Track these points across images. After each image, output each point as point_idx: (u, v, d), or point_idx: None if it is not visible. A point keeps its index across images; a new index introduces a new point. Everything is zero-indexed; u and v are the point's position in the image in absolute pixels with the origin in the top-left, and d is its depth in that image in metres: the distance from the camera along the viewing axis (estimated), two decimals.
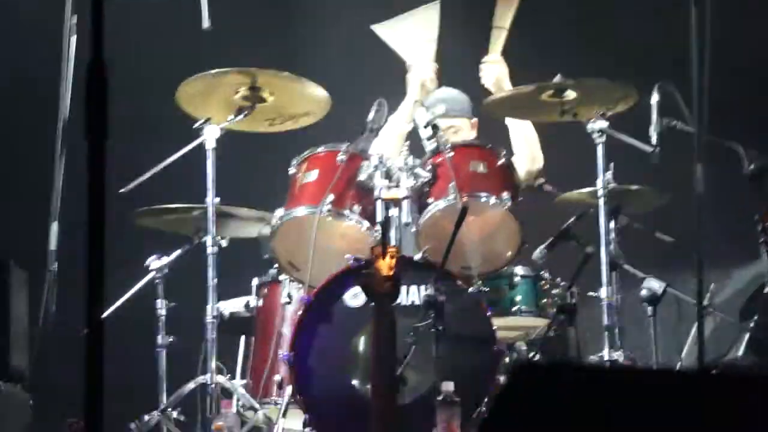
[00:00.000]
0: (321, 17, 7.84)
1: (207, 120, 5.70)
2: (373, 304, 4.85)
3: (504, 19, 6.34)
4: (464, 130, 6.43)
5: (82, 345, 2.48)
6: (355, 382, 5.16)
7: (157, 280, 6.00)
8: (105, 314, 5.59)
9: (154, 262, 5.99)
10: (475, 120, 6.46)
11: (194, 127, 5.71)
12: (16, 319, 4.94)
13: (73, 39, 5.45)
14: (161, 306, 5.99)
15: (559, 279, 5.76)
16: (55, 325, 5.11)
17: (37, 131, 5.76)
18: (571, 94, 5.68)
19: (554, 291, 5.73)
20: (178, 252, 6.03)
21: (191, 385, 5.64)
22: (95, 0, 2.24)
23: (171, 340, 5.97)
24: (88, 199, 2.17)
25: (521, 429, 2.20)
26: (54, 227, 5.30)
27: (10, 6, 7.10)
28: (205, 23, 5.85)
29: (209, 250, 5.67)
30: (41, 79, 5.88)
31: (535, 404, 2.17)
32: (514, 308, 5.73)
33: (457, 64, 6.75)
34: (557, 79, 5.65)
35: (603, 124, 5.57)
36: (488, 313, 5.25)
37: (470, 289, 5.25)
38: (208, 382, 5.54)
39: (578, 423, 2.20)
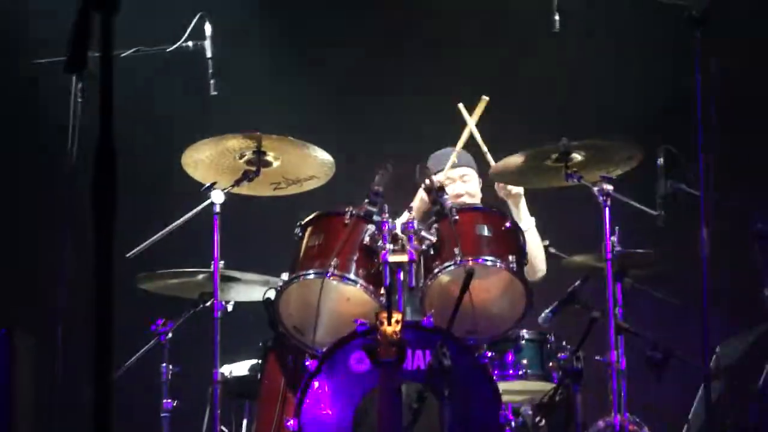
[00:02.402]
0: (327, 81, 7.89)
1: (213, 184, 5.70)
2: (378, 369, 4.83)
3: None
4: (474, 182, 6.45)
5: (87, 411, 2.46)
6: None
7: (161, 345, 5.99)
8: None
9: (159, 327, 5.98)
10: (481, 181, 6.49)
11: (201, 191, 5.71)
12: (22, 386, 4.91)
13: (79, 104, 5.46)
14: (166, 370, 5.98)
15: (564, 343, 5.76)
16: (63, 392, 5.08)
17: (44, 195, 5.77)
18: (576, 157, 5.70)
19: (560, 355, 5.71)
20: (183, 316, 6.02)
21: None
22: (105, 76, 2.24)
23: (175, 404, 5.95)
24: (95, 284, 2.16)
25: None
26: (61, 292, 5.29)
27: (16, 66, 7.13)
28: (213, 90, 5.90)
29: (214, 314, 5.65)
30: (48, 144, 5.90)
31: None
32: (520, 372, 5.71)
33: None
34: (563, 141, 5.66)
35: (608, 187, 5.56)
36: (494, 378, 5.23)
37: (476, 354, 5.23)
38: None
39: None
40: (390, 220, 5.44)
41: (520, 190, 6.36)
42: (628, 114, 7.40)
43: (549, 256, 6.16)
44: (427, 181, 5.59)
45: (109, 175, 2.04)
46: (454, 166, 6.45)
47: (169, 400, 5.98)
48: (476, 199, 6.52)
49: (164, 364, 6.01)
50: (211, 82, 5.92)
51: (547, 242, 6.23)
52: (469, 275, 5.08)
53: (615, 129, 6.16)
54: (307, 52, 7.93)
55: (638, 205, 5.61)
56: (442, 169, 6.40)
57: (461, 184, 6.51)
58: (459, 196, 6.38)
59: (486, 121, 6.39)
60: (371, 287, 5.40)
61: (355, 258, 5.45)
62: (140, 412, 6.32)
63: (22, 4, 7.43)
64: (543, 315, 5.82)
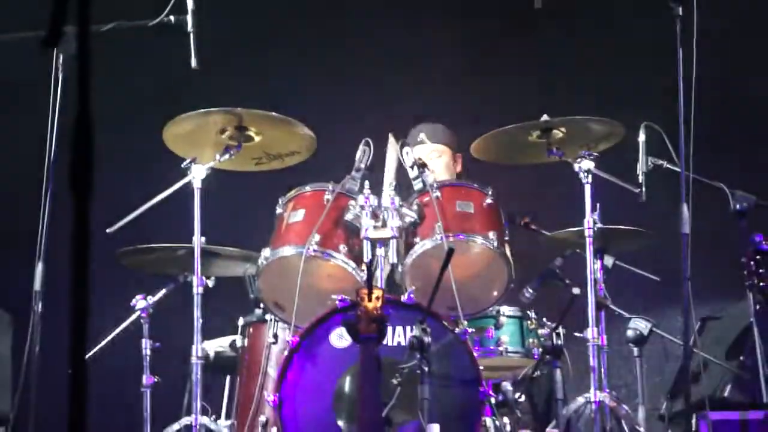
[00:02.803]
0: (308, 57, 7.86)
1: (193, 159, 5.69)
2: (358, 345, 4.83)
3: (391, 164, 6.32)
4: (447, 157, 6.40)
5: (66, 387, 2.45)
6: (340, 423, 5.13)
7: (142, 320, 5.97)
8: (89, 355, 5.61)
9: (139, 302, 5.97)
10: (459, 155, 6.46)
11: (182, 166, 5.69)
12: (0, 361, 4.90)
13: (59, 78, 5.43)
14: (146, 346, 5.96)
15: (545, 319, 5.76)
16: (40, 367, 5.07)
17: (24, 171, 5.74)
18: (557, 134, 5.71)
19: (541, 331, 5.72)
20: (163, 291, 6.01)
21: (176, 426, 5.60)
22: (82, 51, 2.22)
23: (156, 380, 5.94)
24: (72, 255, 2.14)
25: None
26: (39, 268, 5.27)
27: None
28: (194, 63, 5.85)
29: (195, 289, 5.64)
30: (28, 118, 5.87)
31: None
32: (501, 348, 5.72)
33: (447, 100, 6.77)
34: (544, 118, 5.66)
35: (590, 164, 5.56)
36: (474, 354, 5.23)
37: (456, 330, 5.23)
38: (193, 423, 5.50)
39: None
40: (371, 196, 5.43)
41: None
42: (611, 90, 7.39)
43: (530, 233, 6.15)
44: (408, 157, 5.58)
45: (86, 147, 2.02)
46: (422, 143, 6.37)
47: (150, 376, 5.97)
48: (449, 176, 6.44)
49: (145, 340, 5.99)
50: (192, 56, 5.88)
51: (527, 219, 6.22)
52: (450, 252, 5.07)
53: (597, 105, 6.14)
54: (290, 25, 7.89)
55: (619, 182, 5.61)
56: (413, 146, 6.36)
57: (432, 162, 6.44)
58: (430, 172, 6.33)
59: (469, 95, 6.38)
60: (352, 263, 5.39)
61: (336, 234, 5.45)
62: (121, 387, 6.31)
63: None
64: (524, 291, 5.82)
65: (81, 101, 2.09)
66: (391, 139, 5.99)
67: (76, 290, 2.18)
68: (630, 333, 5.66)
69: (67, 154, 2.15)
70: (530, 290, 5.76)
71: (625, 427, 5.37)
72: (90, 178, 2.03)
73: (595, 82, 7.48)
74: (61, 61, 5.40)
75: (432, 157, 6.34)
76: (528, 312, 5.82)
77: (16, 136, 6.87)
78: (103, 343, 5.96)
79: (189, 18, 5.83)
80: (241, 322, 5.90)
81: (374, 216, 5.40)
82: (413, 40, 7.86)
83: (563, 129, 5.71)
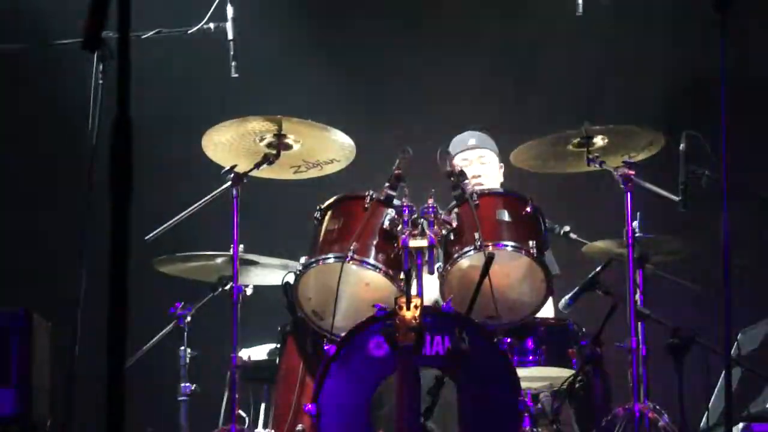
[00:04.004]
0: (348, 65, 7.85)
1: (233, 167, 5.69)
2: (396, 354, 4.80)
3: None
4: (493, 164, 6.43)
5: (104, 395, 2.44)
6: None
7: (180, 328, 5.98)
8: (128, 364, 5.61)
9: (178, 310, 5.97)
10: (502, 165, 6.45)
11: (221, 174, 5.70)
12: (39, 369, 4.90)
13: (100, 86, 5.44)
14: (185, 354, 5.97)
15: (584, 329, 5.71)
16: (80, 375, 5.07)
17: (66, 179, 5.76)
18: (598, 142, 5.67)
19: (580, 341, 5.67)
20: (202, 299, 6.01)
21: None
22: (122, 56, 2.22)
23: (194, 388, 5.94)
24: (110, 258, 2.14)
25: None
26: (81, 275, 5.27)
27: (43, 57, 7.11)
28: (233, 71, 5.86)
29: (233, 297, 5.64)
30: (72, 125, 5.89)
31: None
32: (540, 358, 5.67)
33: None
34: (585, 126, 5.63)
35: (630, 172, 5.53)
36: (513, 363, 5.20)
37: (495, 339, 5.20)
38: None
39: None
40: (410, 204, 5.41)
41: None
42: (652, 99, 7.34)
43: (570, 242, 6.11)
44: (448, 166, 5.56)
45: (124, 149, 2.02)
46: (472, 148, 6.44)
47: (188, 384, 5.97)
48: (494, 182, 6.49)
49: (183, 348, 6.00)
50: (232, 64, 5.89)
51: (567, 228, 6.18)
52: (489, 260, 5.05)
53: (638, 114, 6.11)
54: (329, 34, 7.88)
55: (660, 191, 5.56)
56: (460, 151, 6.41)
57: (478, 165, 6.48)
58: (475, 177, 6.32)
59: (509, 104, 6.36)
60: (391, 272, 5.37)
61: (375, 242, 5.42)
62: (159, 395, 6.32)
63: None
64: (563, 301, 5.79)
65: (120, 104, 2.10)
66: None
67: (115, 289, 2.18)
68: (671, 343, 5.60)
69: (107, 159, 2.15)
70: (570, 299, 5.73)
71: None
72: (129, 180, 2.03)
73: (635, 91, 7.43)
74: (101, 69, 5.41)
75: (480, 161, 6.34)
76: (567, 321, 5.78)
77: (59, 144, 6.90)
78: (142, 351, 5.97)
79: (229, 26, 5.85)
80: (278, 330, 5.88)
81: (413, 224, 5.37)
82: (452, 48, 7.84)
83: (603, 138, 5.67)
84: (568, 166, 5.93)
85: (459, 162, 6.17)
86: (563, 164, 5.92)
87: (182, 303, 6.00)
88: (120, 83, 2.17)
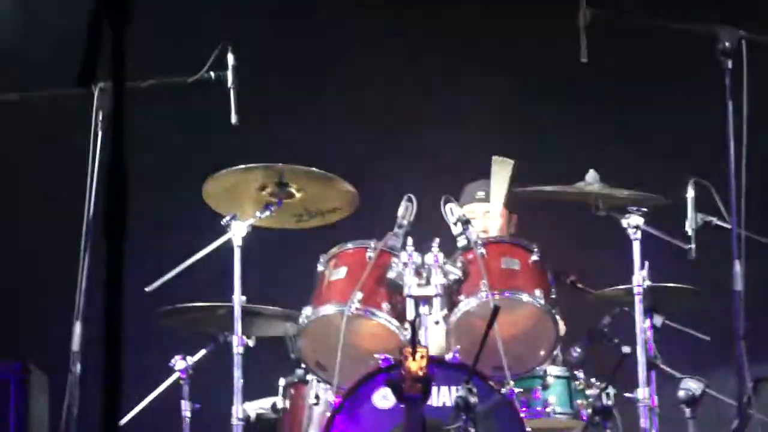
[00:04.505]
0: (349, 113, 7.79)
1: (233, 216, 5.61)
2: (402, 405, 4.71)
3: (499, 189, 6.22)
4: (501, 218, 6.28)
5: None
6: None
7: (181, 381, 5.88)
8: (128, 417, 5.52)
9: (179, 363, 5.88)
10: (515, 215, 6.34)
11: (222, 223, 5.62)
12: (36, 423, 4.81)
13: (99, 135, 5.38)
14: (186, 407, 5.87)
15: (594, 379, 5.61)
16: (78, 429, 4.98)
17: (63, 229, 5.68)
18: (604, 192, 5.60)
19: (589, 392, 5.57)
20: (203, 351, 5.92)
21: None
22: (117, 99, 2.15)
23: None
24: (105, 303, 2.06)
25: None
26: (77, 327, 5.19)
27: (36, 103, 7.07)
28: (233, 119, 5.79)
29: (235, 350, 5.54)
30: (67, 176, 5.82)
31: None
32: (548, 409, 5.57)
33: None
34: (589, 177, 5.56)
35: (638, 220, 5.45)
36: (521, 415, 5.10)
37: (503, 390, 5.10)
38: None
39: None
40: (414, 253, 5.33)
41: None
42: (658, 144, 7.27)
43: (577, 291, 6.02)
44: (452, 214, 5.49)
45: (120, 194, 1.94)
46: (479, 200, 6.33)
47: None
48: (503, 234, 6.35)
49: (184, 402, 5.90)
50: (232, 112, 5.82)
51: (573, 277, 6.09)
52: (496, 310, 4.96)
53: (644, 159, 6.03)
54: (330, 80, 7.82)
55: (669, 239, 5.49)
56: (468, 203, 6.30)
57: (483, 220, 6.34)
58: (483, 232, 6.22)
59: (512, 149, 6.29)
60: (395, 322, 5.29)
61: (379, 292, 5.36)
62: None
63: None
64: (571, 351, 5.70)
65: (115, 148, 2.02)
66: (497, 159, 5.92)
67: (110, 339, 2.09)
68: (682, 393, 5.48)
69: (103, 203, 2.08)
70: (578, 350, 5.64)
71: None
72: (124, 226, 1.95)
73: (642, 135, 7.36)
74: (100, 117, 5.36)
75: (486, 216, 6.22)
76: (576, 372, 5.68)
77: (56, 191, 6.83)
78: (142, 404, 5.86)
79: (230, 74, 5.78)
80: (282, 382, 5.78)
81: (417, 273, 5.30)
82: (455, 96, 7.78)
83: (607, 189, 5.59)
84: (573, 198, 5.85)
85: (466, 214, 6.06)
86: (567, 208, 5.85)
87: (183, 355, 5.91)
88: (115, 130, 2.09)
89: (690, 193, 5.59)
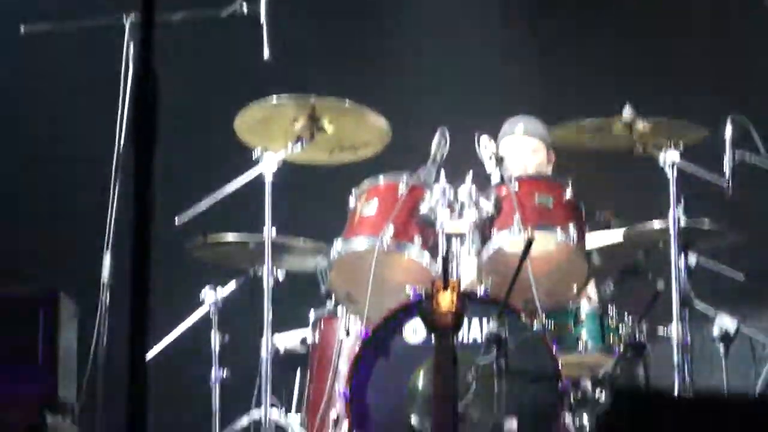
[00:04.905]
0: (383, 47, 7.72)
1: (265, 150, 5.57)
2: (433, 339, 4.68)
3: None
4: (539, 154, 6.20)
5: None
6: (414, 419, 4.99)
7: (211, 313, 5.87)
8: (157, 348, 5.52)
9: (209, 294, 5.87)
10: (552, 152, 6.25)
11: (253, 156, 5.58)
12: (65, 351, 4.81)
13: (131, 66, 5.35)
14: (215, 339, 5.86)
15: (626, 315, 5.56)
16: (107, 359, 4.97)
17: (94, 159, 5.66)
18: (642, 126, 5.52)
19: (622, 328, 5.52)
20: (233, 284, 5.90)
21: (245, 421, 5.50)
22: (146, 3, 2.09)
23: (225, 374, 5.84)
24: (134, 216, 2.02)
25: None
26: (107, 258, 5.17)
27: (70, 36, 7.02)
28: (266, 54, 5.73)
29: (265, 283, 5.51)
30: (98, 106, 5.79)
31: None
32: (580, 345, 5.52)
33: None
34: (626, 112, 5.48)
35: (675, 156, 5.38)
36: (553, 350, 5.06)
37: (534, 325, 5.06)
38: (263, 418, 5.38)
39: None
40: (447, 187, 5.28)
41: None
42: (699, 80, 7.17)
43: (611, 228, 5.96)
44: (487, 149, 5.43)
45: (149, 100, 1.89)
46: (519, 134, 6.24)
47: (219, 370, 5.87)
48: (542, 171, 6.28)
49: (214, 333, 5.89)
50: (265, 46, 5.77)
51: (609, 213, 6.03)
52: (529, 244, 4.93)
53: (683, 95, 5.95)
54: (364, 13, 7.74)
55: (706, 175, 5.41)
56: (510, 135, 6.20)
57: (527, 155, 6.25)
58: (520, 167, 6.15)
59: (548, 86, 6.22)
60: (427, 256, 5.24)
61: (411, 226, 5.31)
62: (190, 381, 6.23)
63: None
64: (604, 287, 5.64)
65: (144, 55, 1.97)
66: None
67: (137, 259, 2.05)
68: (716, 330, 5.44)
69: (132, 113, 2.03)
70: (611, 286, 5.58)
71: None
72: (154, 132, 1.91)
73: (682, 70, 7.25)
74: (132, 50, 5.32)
75: (526, 150, 6.14)
76: (609, 308, 5.63)
77: (88, 123, 6.80)
78: (172, 336, 5.86)
79: (262, 7, 5.72)
80: (312, 315, 5.76)
81: (450, 208, 5.24)
82: (489, 28, 7.69)
83: (646, 125, 5.51)
84: (611, 148, 5.78)
85: (507, 147, 5.99)
86: (606, 143, 5.77)
87: (213, 287, 5.90)
88: (144, 38, 2.04)
89: (728, 131, 5.51)
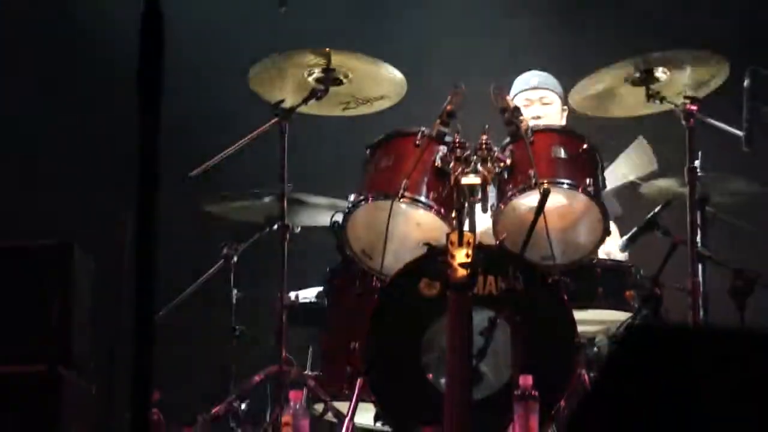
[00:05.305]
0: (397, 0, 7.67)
1: (280, 102, 5.53)
2: (448, 293, 4.65)
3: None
4: (555, 106, 6.20)
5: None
6: (428, 373, 4.97)
7: (228, 268, 5.86)
8: (174, 302, 5.49)
9: (225, 250, 5.85)
10: (566, 108, 6.23)
11: (268, 109, 5.54)
12: (79, 305, 4.77)
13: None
14: (233, 294, 5.86)
15: (643, 271, 5.53)
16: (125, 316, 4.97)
17: (119, 118, 5.63)
18: (658, 77, 5.45)
19: (638, 282, 5.49)
20: (249, 240, 5.89)
21: (260, 376, 5.49)
22: None
23: (241, 329, 5.84)
24: (138, 168, 1.98)
25: (635, 389, 2.04)
26: (129, 217, 5.14)
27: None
28: (280, 8, 5.69)
29: (281, 238, 5.48)
30: (128, 69, 5.75)
31: (649, 365, 2.01)
32: (596, 300, 5.49)
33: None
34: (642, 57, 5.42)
35: (692, 108, 5.32)
36: (568, 306, 5.02)
37: (550, 280, 5.02)
38: (278, 373, 5.36)
39: (693, 385, 2.03)
40: (463, 140, 5.23)
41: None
42: (715, 34, 7.09)
43: (627, 183, 5.91)
44: (502, 102, 5.38)
45: (155, 42, 1.85)
46: (534, 88, 6.24)
47: (235, 325, 5.87)
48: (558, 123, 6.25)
49: (231, 287, 5.89)
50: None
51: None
52: (545, 196, 4.89)
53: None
54: None
55: (724, 126, 5.35)
56: (522, 90, 6.20)
57: (539, 106, 6.25)
58: (536, 118, 6.12)
59: (564, 43, 6.16)
60: (442, 210, 5.21)
61: (426, 180, 5.27)
62: (206, 336, 6.23)
63: None
64: (621, 242, 5.61)
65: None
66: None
67: (142, 209, 2.02)
68: (733, 285, 5.40)
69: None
70: (628, 240, 5.55)
71: None
72: (160, 75, 1.87)
73: (700, 22, 7.17)
74: None
75: (542, 102, 6.15)
76: (625, 262, 5.60)
77: (110, 89, 6.78)
78: (189, 290, 5.86)
79: None
80: (327, 271, 5.74)
81: (465, 161, 5.19)
82: None
83: (665, 71, 5.44)
84: (627, 109, 5.72)
85: (520, 102, 5.96)
86: (621, 107, 5.71)
87: (230, 242, 5.88)
88: None
89: (746, 83, 5.44)
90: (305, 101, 5.55)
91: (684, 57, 5.42)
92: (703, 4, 7.32)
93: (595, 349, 5.53)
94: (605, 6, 7.46)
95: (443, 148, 5.26)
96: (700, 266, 5.30)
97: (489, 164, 5.19)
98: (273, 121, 5.52)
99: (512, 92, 6.14)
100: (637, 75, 5.47)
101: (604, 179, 5.39)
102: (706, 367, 2.04)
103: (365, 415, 5.16)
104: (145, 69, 1.86)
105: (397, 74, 5.60)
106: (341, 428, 5.10)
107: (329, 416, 5.43)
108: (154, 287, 2.12)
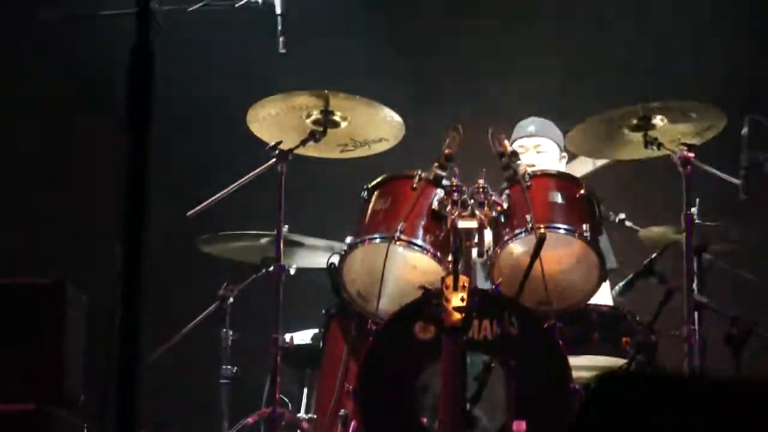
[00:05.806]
0: (397, 44, 7.68)
1: (278, 144, 5.53)
2: (442, 337, 4.63)
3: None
4: (551, 154, 6.22)
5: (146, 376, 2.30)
6: (423, 418, 4.94)
7: (223, 309, 5.85)
8: (169, 345, 5.46)
9: (221, 291, 5.84)
10: (565, 155, 6.25)
11: (265, 150, 5.54)
12: (71, 343, 4.75)
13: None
14: (226, 336, 5.84)
15: (639, 317, 5.51)
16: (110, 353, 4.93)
17: (108, 148, 5.63)
18: (656, 123, 5.46)
19: (634, 329, 5.47)
20: (245, 281, 5.88)
21: (254, 417, 5.47)
22: None
23: (235, 371, 5.81)
24: (126, 202, 1.98)
25: None
26: (118, 248, 5.12)
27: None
28: (281, 48, 5.69)
29: (277, 279, 5.47)
30: (110, 98, 5.76)
31: (619, 414, 2.00)
32: (591, 346, 5.47)
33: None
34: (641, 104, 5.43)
35: (689, 155, 5.32)
36: (563, 351, 5.00)
37: (545, 325, 5.01)
38: (272, 415, 5.34)
39: None
40: (460, 184, 5.23)
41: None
42: (714, 83, 7.11)
43: (625, 229, 5.91)
44: (499, 146, 5.38)
45: (144, 76, 1.86)
46: (530, 135, 6.27)
47: (229, 367, 5.84)
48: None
49: (225, 330, 5.87)
50: (280, 39, 5.72)
51: (622, 215, 5.98)
52: (541, 241, 4.88)
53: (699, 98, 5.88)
54: (380, 12, 7.71)
55: (721, 174, 5.35)
56: (519, 137, 6.24)
57: (534, 154, 6.27)
58: (530, 166, 6.11)
59: (564, 90, 6.17)
60: (438, 254, 5.20)
61: (423, 223, 5.26)
62: (199, 377, 6.20)
63: None
64: (617, 288, 5.60)
65: (140, 30, 1.94)
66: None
67: (129, 246, 2.02)
68: (729, 333, 5.38)
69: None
70: (624, 287, 5.54)
71: None
72: (148, 108, 1.87)
73: (699, 73, 7.20)
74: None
75: (537, 150, 6.17)
76: (621, 309, 5.58)
77: (106, 125, 6.79)
78: (184, 331, 5.84)
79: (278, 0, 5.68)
80: (323, 313, 5.72)
81: (462, 205, 5.19)
82: (507, 27, 7.66)
83: (662, 118, 5.45)
84: (625, 153, 5.73)
85: (516, 148, 5.97)
86: (619, 150, 5.72)
87: (226, 284, 5.87)
88: (139, 12, 2.01)
89: (744, 130, 5.45)
90: (303, 143, 5.56)
91: (682, 107, 5.43)
92: (706, 52, 7.35)
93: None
94: (606, 54, 7.49)
95: (440, 192, 5.26)
96: (696, 313, 5.28)
97: (486, 208, 5.19)
98: (271, 162, 5.52)
99: (513, 137, 6.18)
100: (635, 122, 5.48)
101: (601, 224, 5.39)
102: (674, 414, 2.05)
103: None
104: (133, 106, 1.86)
105: (395, 117, 5.60)
106: None
107: None
108: (140, 330, 2.11)
